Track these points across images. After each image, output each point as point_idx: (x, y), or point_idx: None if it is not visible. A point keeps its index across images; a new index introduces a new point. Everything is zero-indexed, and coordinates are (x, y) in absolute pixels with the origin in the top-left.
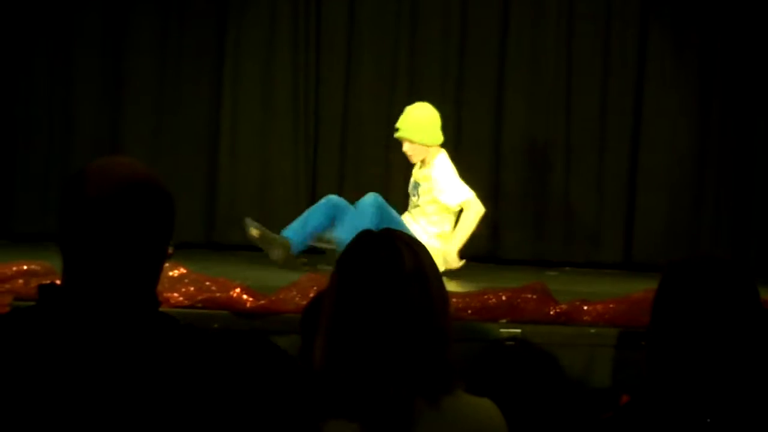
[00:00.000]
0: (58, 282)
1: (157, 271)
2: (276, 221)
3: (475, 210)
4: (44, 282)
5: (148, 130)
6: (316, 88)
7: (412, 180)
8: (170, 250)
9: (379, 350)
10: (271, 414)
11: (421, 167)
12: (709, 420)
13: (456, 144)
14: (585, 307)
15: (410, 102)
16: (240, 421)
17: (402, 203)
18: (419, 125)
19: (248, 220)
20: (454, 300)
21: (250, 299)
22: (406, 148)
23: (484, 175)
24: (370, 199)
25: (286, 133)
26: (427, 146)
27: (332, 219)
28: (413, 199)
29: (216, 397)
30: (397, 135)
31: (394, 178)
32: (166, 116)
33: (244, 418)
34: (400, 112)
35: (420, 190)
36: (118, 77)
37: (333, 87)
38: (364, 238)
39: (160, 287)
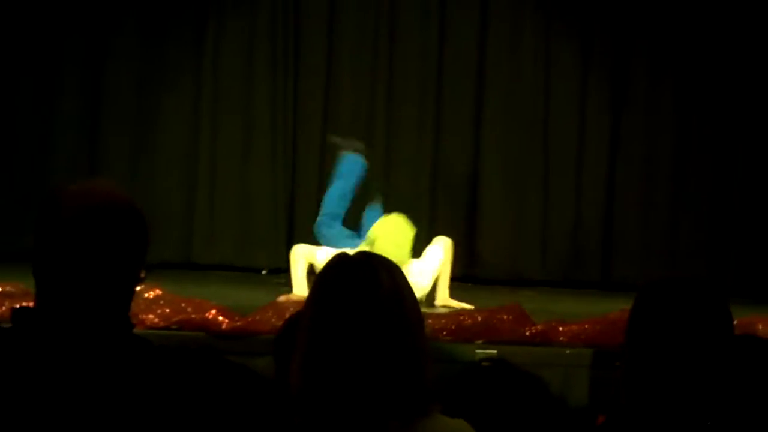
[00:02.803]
0: (31, 305)
1: (129, 294)
2: (255, 240)
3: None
4: (19, 304)
5: (126, 149)
6: (295, 107)
7: None
8: (142, 274)
9: (355, 372)
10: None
11: None
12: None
13: (434, 162)
14: (561, 328)
15: (388, 124)
16: None
17: None
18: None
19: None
20: (429, 321)
21: (226, 320)
22: None
23: (463, 195)
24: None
25: (264, 153)
26: None
27: None
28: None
29: (190, 420)
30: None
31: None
32: (145, 136)
33: None
34: (377, 133)
35: None
36: (96, 97)
37: (311, 106)
38: (340, 259)
39: (135, 309)
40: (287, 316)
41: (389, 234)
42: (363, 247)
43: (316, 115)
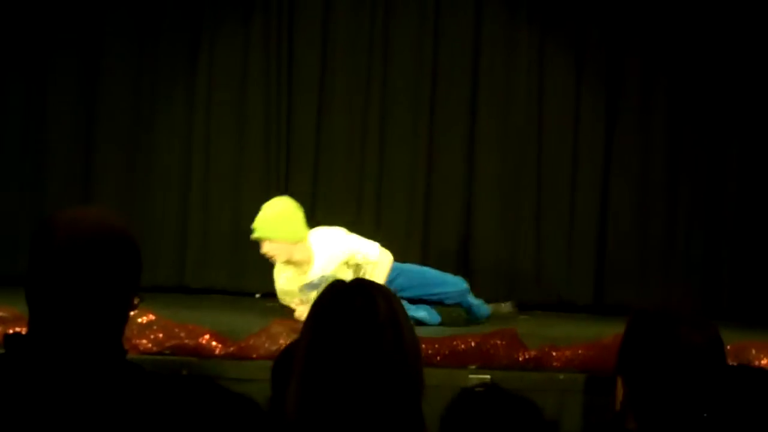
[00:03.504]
0: (24, 331)
1: (122, 320)
2: (248, 264)
3: (387, 261)
4: (12, 329)
5: (119, 172)
6: (288, 128)
7: (290, 285)
8: (136, 301)
9: (351, 399)
10: None
11: (297, 270)
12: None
13: (427, 185)
14: (554, 353)
15: (383, 139)
16: None
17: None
18: (280, 222)
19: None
20: (423, 346)
21: (219, 346)
22: (267, 248)
23: (456, 216)
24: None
25: (257, 175)
26: (293, 243)
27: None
28: (309, 296)
29: None
30: (254, 236)
31: (365, 219)
32: (138, 158)
33: None
34: (372, 151)
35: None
36: (90, 118)
37: (305, 128)
38: (337, 286)
39: (128, 333)
40: (281, 341)
41: None
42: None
43: (310, 133)
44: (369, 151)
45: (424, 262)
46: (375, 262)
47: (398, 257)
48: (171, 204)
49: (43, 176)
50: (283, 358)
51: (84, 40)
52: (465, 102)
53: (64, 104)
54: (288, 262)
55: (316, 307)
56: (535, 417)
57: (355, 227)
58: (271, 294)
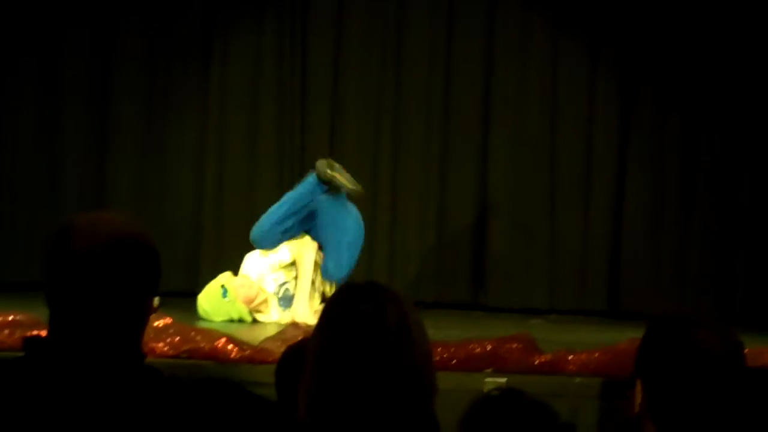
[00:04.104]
0: (43, 334)
1: (141, 324)
2: None
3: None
4: (30, 333)
5: (133, 178)
6: (302, 135)
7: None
8: (156, 304)
9: (362, 403)
10: None
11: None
12: None
13: (441, 192)
14: (570, 357)
15: (394, 149)
16: None
17: (385, 263)
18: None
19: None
20: (438, 350)
21: (235, 349)
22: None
23: (469, 222)
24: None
25: (271, 182)
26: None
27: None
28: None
29: None
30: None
31: (379, 225)
32: (151, 164)
33: None
34: (385, 161)
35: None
36: (103, 125)
37: (318, 135)
38: (347, 290)
39: (145, 337)
40: None
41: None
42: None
43: (323, 141)
44: (382, 157)
45: (437, 267)
46: (290, 262)
47: (411, 260)
48: (185, 210)
49: (58, 184)
50: (287, 359)
51: (97, 44)
52: (478, 105)
53: (78, 111)
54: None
55: (326, 311)
56: (551, 421)
57: (368, 233)
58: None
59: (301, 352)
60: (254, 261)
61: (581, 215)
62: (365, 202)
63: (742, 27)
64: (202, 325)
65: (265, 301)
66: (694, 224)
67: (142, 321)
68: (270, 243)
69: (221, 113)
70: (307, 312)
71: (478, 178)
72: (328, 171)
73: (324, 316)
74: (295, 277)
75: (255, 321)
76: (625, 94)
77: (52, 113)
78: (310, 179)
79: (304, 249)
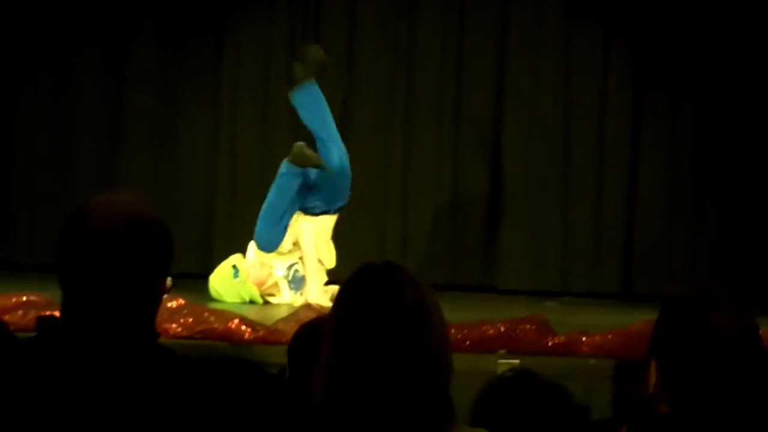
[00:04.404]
0: (56, 314)
1: (154, 305)
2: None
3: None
4: (43, 314)
5: (146, 160)
6: None
7: None
8: (169, 284)
9: (378, 384)
10: None
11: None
12: None
13: (455, 176)
14: (583, 339)
15: (407, 138)
16: None
17: (398, 245)
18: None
19: None
20: (451, 331)
21: (249, 330)
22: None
23: (483, 205)
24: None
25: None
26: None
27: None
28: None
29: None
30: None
31: (390, 220)
32: (165, 146)
33: None
34: (397, 148)
35: None
36: (117, 109)
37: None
38: (365, 270)
39: (158, 318)
40: None
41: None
42: None
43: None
44: (395, 144)
45: (451, 249)
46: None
47: (425, 245)
48: (198, 196)
49: (72, 171)
50: (299, 339)
51: (111, 34)
52: (491, 90)
53: (92, 101)
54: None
55: (343, 292)
56: (565, 402)
57: (382, 216)
58: None
59: (315, 330)
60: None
61: (595, 198)
62: (380, 183)
63: (756, 13)
64: (215, 306)
65: (275, 284)
66: (707, 210)
67: (155, 301)
68: (278, 243)
69: (234, 103)
70: (320, 293)
71: (493, 162)
72: (309, 156)
73: (341, 297)
74: (302, 258)
75: (266, 303)
76: (638, 83)
77: (66, 102)
78: (286, 171)
79: (300, 228)
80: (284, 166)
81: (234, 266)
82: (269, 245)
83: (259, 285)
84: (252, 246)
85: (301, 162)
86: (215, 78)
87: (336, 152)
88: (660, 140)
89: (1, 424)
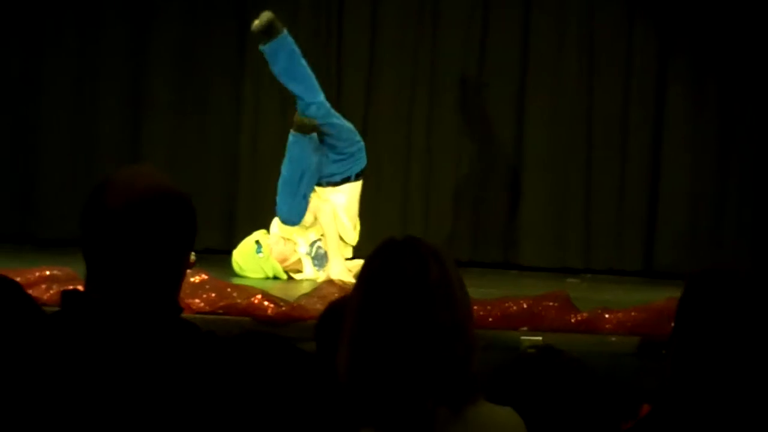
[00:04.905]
0: (80, 288)
1: (178, 279)
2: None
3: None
4: (66, 288)
5: (169, 136)
6: (338, 92)
7: None
8: (192, 259)
9: (403, 360)
10: (303, 423)
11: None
12: None
13: (477, 152)
14: (606, 316)
15: (430, 110)
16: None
17: (420, 222)
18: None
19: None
20: (475, 308)
21: (271, 306)
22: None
23: (506, 183)
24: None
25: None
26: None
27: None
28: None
29: (241, 406)
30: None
31: (412, 197)
32: (188, 122)
33: (271, 427)
34: (420, 120)
35: None
36: (140, 84)
37: (353, 101)
38: (388, 246)
39: (181, 293)
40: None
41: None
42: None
43: (358, 101)
44: (418, 116)
45: (473, 226)
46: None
47: (448, 223)
48: (221, 168)
49: (93, 142)
50: (328, 316)
51: (133, 9)
52: (515, 66)
53: (115, 73)
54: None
55: (367, 268)
56: (588, 379)
57: (403, 194)
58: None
59: (342, 309)
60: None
61: (617, 175)
62: (402, 162)
63: None
64: (238, 281)
65: (299, 260)
66: (730, 187)
67: (179, 276)
68: (301, 216)
69: (257, 74)
70: (342, 269)
71: (514, 138)
72: (307, 122)
73: (365, 273)
74: (324, 234)
75: (290, 278)
76: (662, 54)
77: (89, 77)
78: (294, 141)
79: (319, 204)
80: (291, 137)
81: (257, 242)
82: (292, 218)
83: (282, 261)
84: (275, 222)
85: (305, 129)
86: (239, 53)
87: (314, 109)
88: (684, 118)
89: (27, 398)
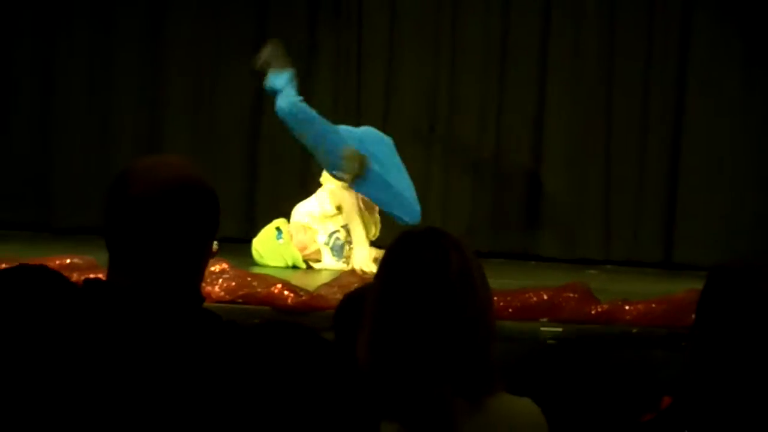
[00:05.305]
0: (102, 277)
1: (200, 268)
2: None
3: None
4: (86, 276)
5: (187, 125)
6: (358, 89)
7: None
8: (215, 248)
9: (422, 351)
10: (326, 413)
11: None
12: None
13: (496, 141)
14: (626, 307)
15: (450, 97)
16: (290, 421)
17: (442, 209)
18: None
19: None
20: (494, 299)
21: (291, 295)
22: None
23: (525, 172)
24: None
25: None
26: None
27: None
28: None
29: (266, 396)
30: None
31: (435, 180)
32: (206, 110)
33: (295, 417)
34: (440, 108)
35: None
36: (159, 70)
37: (374, 90)
38: (409, 237)
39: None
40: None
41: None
42: None
43: (378, 87)
44: (439, 104)
45: (492, 216)
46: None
47: (467, 213)
48: (240, 156)
49: (111, 129)
50: (346, 306)
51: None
52: (535, 51)
53: (132, 55)
54: None
55: (388, 258)
56: (608, 370)
57: (423, 183)
58: None
59: (360, 298)
60: (303, 212)
61: (637, 166)
62: (421, 151)
63: None
64: (257, 270)
65: (317, 251)
66: (750, 178)
67: (201, 264)
68: (417, 203)
69: None
70: (366, 257)
71: (534, 127)
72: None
73: (385, 263)
74: (343, 226)
75: (309, 267)
76: (683, 41)
77: (107, 63)
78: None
79: (342, 194)
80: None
81: (277, 228)
82: (417, 213)
83: (302, 249)
84: (296, 210)
85: (360, 169)
86: (257, 39)
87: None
88: (704, 110)
89: (47, 386)
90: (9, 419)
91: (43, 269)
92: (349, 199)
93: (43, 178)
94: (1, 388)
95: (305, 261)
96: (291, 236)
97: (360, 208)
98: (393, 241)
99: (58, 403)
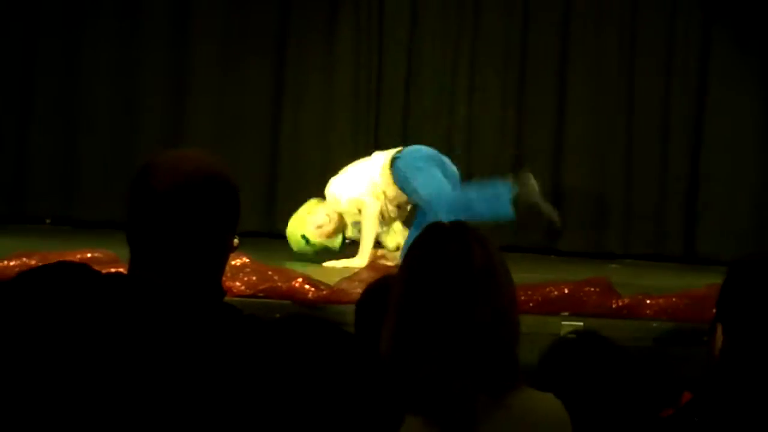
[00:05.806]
0: (123, 271)
1: (222, 262)
2: None
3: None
4: (107, 270)
5: (209, 118)
6: (378, 80)
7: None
8: (236, 242)
9: (445, 345)
10: (350, 406)
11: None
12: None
13: (517, 137)
14: (648, 301)
15: (471, 93)
16: (313, 415)
17: None
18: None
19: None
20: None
21: (312, 289)
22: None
23: (547, 166)
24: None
25: (346, 123)
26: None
27: None
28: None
29: (288, 389)
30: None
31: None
32: (228, 105)
33: (319, 412)
34: (461, 104)
35: None
36: (181, 63)
37: (394, 80)
38: (433, 231)
39: (222, 276)
40: None
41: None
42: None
43: (399, 88)
44: (458, 100)
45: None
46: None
47: None
48: (261, 150)
49: (134, 123)
50: (367, 299)
51: None
52: (555, 48)
53: (157, 54)
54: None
55: (412, 252)
56: (629, 365)
57: None
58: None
59: (382, 290)
60: (339, 186)
61: (658, 160)
62: (443, 144)
63: None
64: (278, 264)
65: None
66: None
67: (223, 259)
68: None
69: (299, 59)
70: (354, 264)
71: (555, 123)
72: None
73: (410, 257)
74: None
75: (345, 242)
76: (705, 35)
77: (131, 56)
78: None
79: (364, 202)
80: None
81: (303, 236)
82: (508, 209)
83: (327, 236)
84: (331, 193)
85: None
86: (281, 32)
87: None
88: (725, 96)
89: (68, 380)
90: (37, 407)
91: (84, 267)
92: (371, 203)
93: (65, 172)
94: (34, 378)
95: (342, 236)
96: (316, 236)
97: (384, 218)
98: (419, 235)
99: (85, 396)
